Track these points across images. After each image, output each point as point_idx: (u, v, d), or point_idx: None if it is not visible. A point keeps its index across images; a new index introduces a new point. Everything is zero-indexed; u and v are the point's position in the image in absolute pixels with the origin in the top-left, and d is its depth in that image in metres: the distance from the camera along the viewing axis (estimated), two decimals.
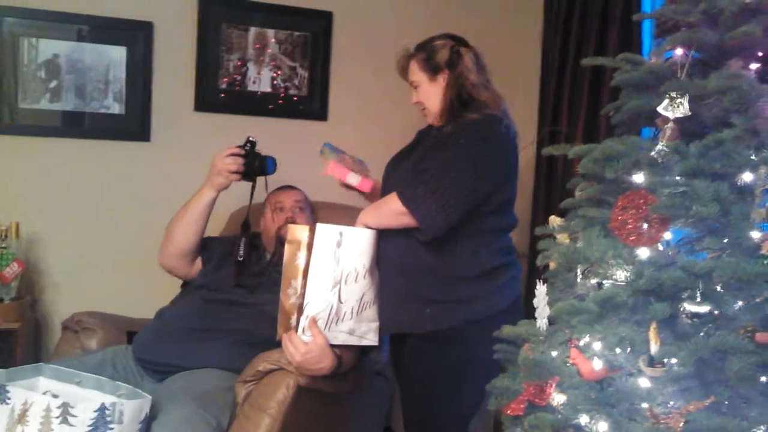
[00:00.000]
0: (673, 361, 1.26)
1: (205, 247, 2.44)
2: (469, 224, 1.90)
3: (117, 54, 2.87)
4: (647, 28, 2.74)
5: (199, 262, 2.45)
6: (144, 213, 2.95)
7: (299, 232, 1.85)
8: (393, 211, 1.88)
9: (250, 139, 2.33)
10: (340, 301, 1.87)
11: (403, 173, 1.98)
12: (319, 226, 1.84)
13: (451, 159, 1.87)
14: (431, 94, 2.02)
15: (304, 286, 1.82)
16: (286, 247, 1.85)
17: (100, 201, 2.91)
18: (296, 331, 1.84)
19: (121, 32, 2.87)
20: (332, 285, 1.85)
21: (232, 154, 2.27)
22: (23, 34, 2.75)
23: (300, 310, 1.83)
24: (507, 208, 2.00)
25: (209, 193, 2.30)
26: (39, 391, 1.81)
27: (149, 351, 2.16)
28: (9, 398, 1.70)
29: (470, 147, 1.87)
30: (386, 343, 2.15)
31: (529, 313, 1.58)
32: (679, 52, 1.40)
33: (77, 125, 2.87)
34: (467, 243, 1.91)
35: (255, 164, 2.31)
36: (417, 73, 2.04)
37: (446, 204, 1.82)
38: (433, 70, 2.00)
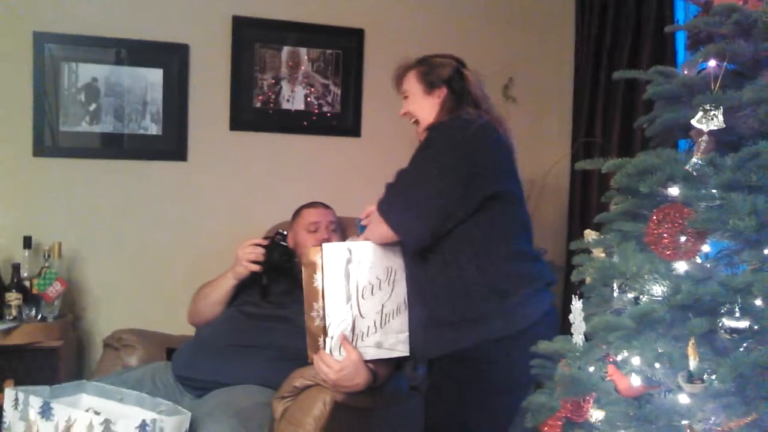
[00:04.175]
0: (713, 377, 1.23)
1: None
2: (463, 230, 1.84)
3: (154, 76, 2.94)
4: (681, 39, 2.71)
5: None
6: (182, 230, 3.00)
7: (313, 254, 1.86)
8: (375, 221, 1.87)
9: (280, 231, 2.36)
10: (360, 315, 1.87)
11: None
12: (326, 246, 1.86)
13: (417, 160, 1.87)
14: (425, 106, 2.02)
15: (323, 307, 1.84)
16: (304, 270, 1.87)
17: (138, 220, 2.97)
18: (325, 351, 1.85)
19: (157, 55, 2.94)
20: (348, 301, 1.86)
21: (254, 244, 2.30)
22: (63, 58, 2.83)
23: (325, 331, 1.84)
24: (495, 209, 1.88)
25: (230, 281, 2.34)
26: (82, 408, 1.86)
27: (188, 368, 2.19)
28: (53, 415, 1.74)
29: (432, 146, 1.86)
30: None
31: (565, 328, 1.56)
32: (712, 63, 1.39)
33: (116, 146, 2.94)
34: (465, 250, 1.85)
35: (275, 256, 2.31)
36: (413, 84, 2.05)
37: (413, 206, 1.81)
38: (430, 84, 2.01)
